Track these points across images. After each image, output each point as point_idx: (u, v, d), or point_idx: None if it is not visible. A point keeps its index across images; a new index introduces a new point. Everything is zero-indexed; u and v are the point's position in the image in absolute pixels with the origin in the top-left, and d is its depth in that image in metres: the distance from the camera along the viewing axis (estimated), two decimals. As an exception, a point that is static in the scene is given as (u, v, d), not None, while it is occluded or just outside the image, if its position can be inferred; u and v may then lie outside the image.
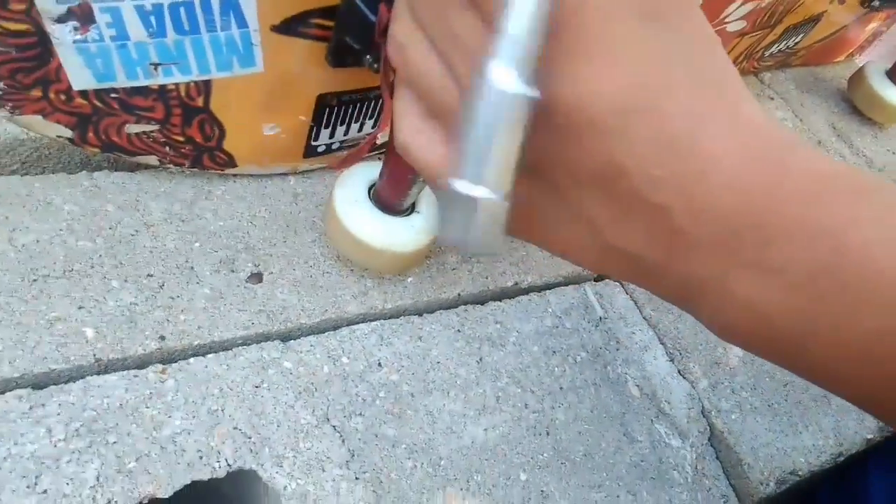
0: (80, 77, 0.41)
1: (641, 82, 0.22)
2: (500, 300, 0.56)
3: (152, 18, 0.39)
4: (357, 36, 0.44)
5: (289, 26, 0.43)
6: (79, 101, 0.42)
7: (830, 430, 0.60)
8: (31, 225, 0.46)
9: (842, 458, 0.60)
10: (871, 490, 0.60)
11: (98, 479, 0.37)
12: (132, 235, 0.48)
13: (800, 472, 0.57)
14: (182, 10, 0.39)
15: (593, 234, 0.27)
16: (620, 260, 0.27)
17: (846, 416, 0.62)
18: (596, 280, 0.63)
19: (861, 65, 0.99)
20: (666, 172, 0.23)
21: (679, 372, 0.59)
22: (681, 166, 0.23)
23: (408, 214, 0.50)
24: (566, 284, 0.61)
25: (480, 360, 0.52)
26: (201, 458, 0.40)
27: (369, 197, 0.49)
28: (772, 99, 0.92)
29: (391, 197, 0.48)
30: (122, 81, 0.42)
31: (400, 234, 0.49)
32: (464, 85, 0.24)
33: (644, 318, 0.61)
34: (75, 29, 0.38)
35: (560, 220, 0.27)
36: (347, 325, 0.49)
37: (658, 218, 0.24)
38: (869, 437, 0.62)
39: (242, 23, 0.41)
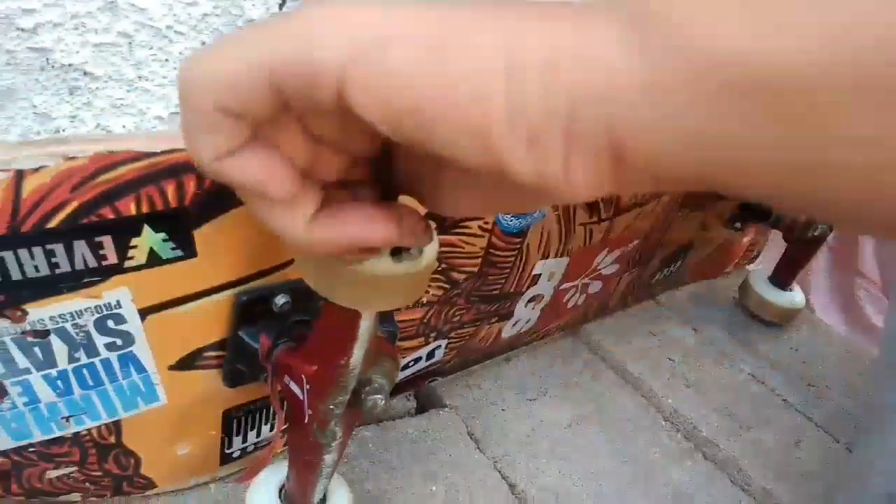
0: (-3, 440, 0.45)
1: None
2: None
3: (59, 382, 0.44)
4: (245, 362, 0.50)
5: (185, 363, 0.49)
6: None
7: None
8: (-46, 585, 0.48)
9: None
10: None
11: None
12: (55, 577, 0.50)
13: None
14: (85, 370, 0.45)
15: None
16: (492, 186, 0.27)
17: None
18: (522, 533, 0.65)
19: (749, 272, 1.09)
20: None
21: None
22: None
23: (319, 509, 0.53)
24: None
25: None
26: None
27: (280, 499, 0.53)
28: (670, 318, 1.00)
29: (300, 496, 0.52)
30: (37, 437, 0.47)
31: (314, 532, 0.52)
32: None
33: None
34: (-11, 403, 0.43)
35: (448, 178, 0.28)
36: None
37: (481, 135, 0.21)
38: None
39: (141, 369, 0.47)
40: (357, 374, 0.44)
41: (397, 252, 0.37)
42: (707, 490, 0.74)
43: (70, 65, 0.64)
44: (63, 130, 0.69)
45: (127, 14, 0.64)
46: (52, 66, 0.64)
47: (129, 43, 0.66)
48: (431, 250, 0.38)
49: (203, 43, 0.69)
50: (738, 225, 0.97)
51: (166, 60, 0.69)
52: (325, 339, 0.44)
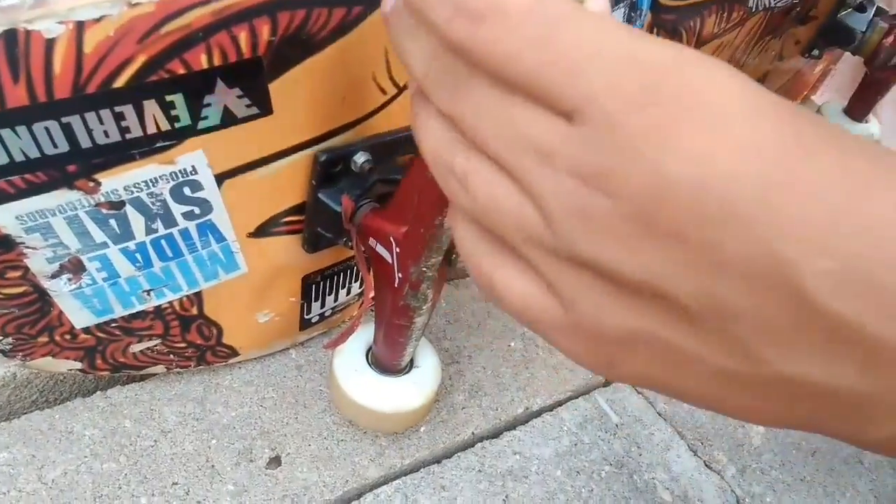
0: (80, 317, 0.44)
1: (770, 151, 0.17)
2: (515, 428, 0.58)
3: (138, 255, 0.42)
4: (326, 225, 0.47)
5: (264, 230, 0.46)
6: (83, 336, 0.45)
7: (868, 491, 0.60)
8: (56, 458, 0.48)
9: (887, 517, 0.60)
10: None
11: None
12: (152, 446, 0.50)
13: (846, 543, 0.56)
14: (163, 242, 0.42)
15: (751, 365, 0.19)
16: (792, 396, 0.19)
17: (881, 473, 0.62)
18: (605, 386, 0.64)
19: (818, 105, 1.02)
20: (836, 263, 0.16)
21: (705, 464, 0.59)
22: (852, 247, 0.16)
23: (408, 371, 0.52)
24: (576, 397, 0.62)
25: (506, 497, 0.53)
26: None
27: (368, 362, 0.51)
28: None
29: (390, 359, 0.50)
30: (119, 312, 0.45)
31: (405, 394, 0.51)
32: (549, 207, 0.19)
33: (659, 413, 0.62)
34: (69, 280, 0.41)
35: (696, 355, 0.19)
36: (371, 490, 0.51)
37: (842, 330, 0.17)
38: (909, 488, 0.62)
39: (220, 238, 0.44)
40: (451, 235, 0.41)
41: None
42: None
43: None
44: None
45: None
46: None
47: None
48: None
49: None
50: (815, 52, 0.89)
51: None
52: (417, 198, 0.40)
